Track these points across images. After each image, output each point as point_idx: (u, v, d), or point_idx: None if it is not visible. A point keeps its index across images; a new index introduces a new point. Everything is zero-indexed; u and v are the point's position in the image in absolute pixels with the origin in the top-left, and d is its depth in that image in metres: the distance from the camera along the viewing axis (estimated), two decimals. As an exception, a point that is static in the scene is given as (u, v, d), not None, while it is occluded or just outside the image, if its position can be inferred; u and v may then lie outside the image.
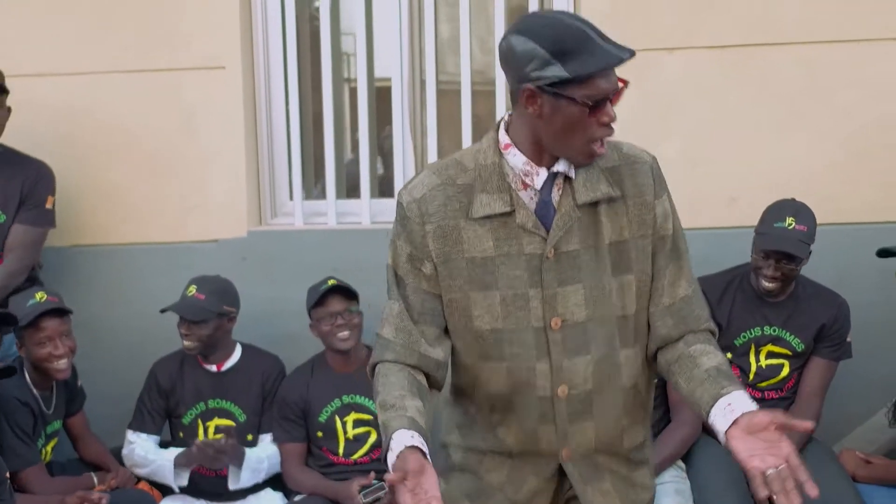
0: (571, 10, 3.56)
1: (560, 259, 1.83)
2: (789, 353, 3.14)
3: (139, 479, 3.24)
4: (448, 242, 1.84)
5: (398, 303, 1.89)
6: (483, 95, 3.94)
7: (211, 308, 3.19)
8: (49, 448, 3.12)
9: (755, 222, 3.18)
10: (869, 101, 3.45)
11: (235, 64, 3.56)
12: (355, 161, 3.92)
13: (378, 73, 3.95)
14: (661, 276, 1.90)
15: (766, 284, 3.05)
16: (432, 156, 3.68)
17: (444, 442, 2.07)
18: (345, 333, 3.18)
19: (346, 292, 3.21)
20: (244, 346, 3.36)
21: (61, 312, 3.02)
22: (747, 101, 3.47)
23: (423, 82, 3.80)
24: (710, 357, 1.87)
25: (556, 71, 1.68)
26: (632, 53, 1.71)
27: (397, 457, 1.69)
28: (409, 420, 1.74)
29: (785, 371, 3.16)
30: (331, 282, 3.23)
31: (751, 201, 3.33)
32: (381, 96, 3.83)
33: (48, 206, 3.38)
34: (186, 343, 3.24)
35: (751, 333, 3.15)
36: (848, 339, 3.15)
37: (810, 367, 3.14)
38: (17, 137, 3.41)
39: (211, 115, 3.58)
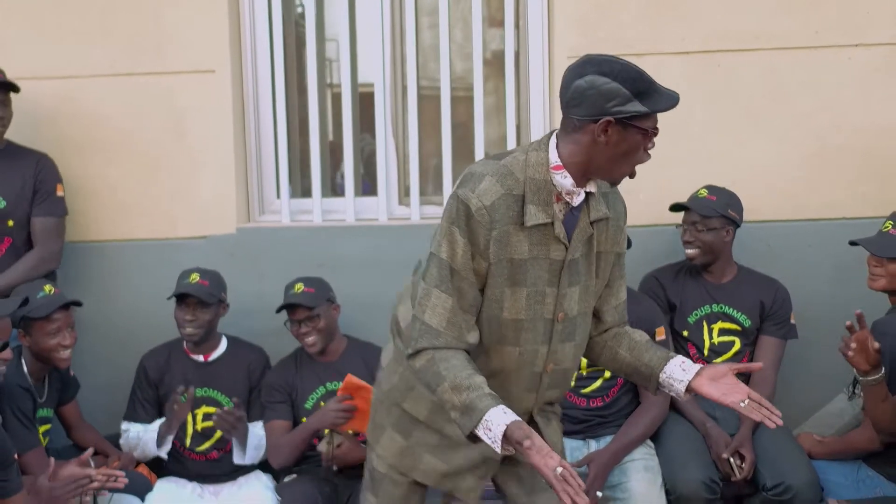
0: (546, 18, 3.72)
1: (571, 265, 2.19)
2: (738, 328, 3.37)
3: (138, 463, 3.35)
4: (502, 245, 2.12)
5: (451, 297, 2.13)
6: (462, 101, 4.05)
7: (215, 293, 3.32)
8: (40, 434, 3.17)
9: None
10: (826, 104, 3.60)
11: (225, 68, 3.67)
12: (340, 162, 4.04)
13: (361, 79, 4.08)
14: (614, 283, 2.35)
15: (687, 250, 3.36)
16: (414, 158, 3.80)
17: (396, 401, 2.38)
18: (311, 339, 3.30)
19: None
20: (229, 338, 3.48)
21: (67, 305, 3.13)
22: (711, 104, 3.61)
23: (404, 88, 3.92)
24: (643, 335, 2.35)
25: (637, 107, 2.03)
26: (678, 100, 2.10)
27: (509, 427, 2.00)
28: (493, 397, 2.06)
29: (736, 346, 3.37)
30: (297, 287, 3.30)
31: (715, 199, 3.49)
32: (364, 101, 3.96)
33: (59, 193, 3.55)
34: (189, 329, 3.33)
35: (701, 311, 3.40)
36: (792, 321, 3.37)
37: (760, 346, 3.37)
38: (12, 137, 3.54)
39: (201, 116, 3.69)
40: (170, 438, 3.32)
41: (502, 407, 2.04)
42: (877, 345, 2.76)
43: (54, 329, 3.07)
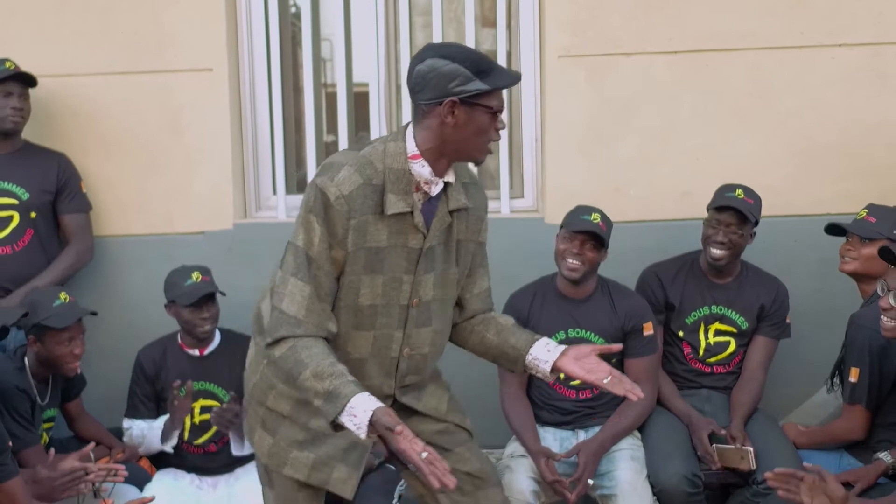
0: (536, 18, 3.78)
1: (428, 252, 2.25)
2: (735, 330, 3.37)
3: (141, 456, 3.40)
4: (360, 234, 2.16)
5: (308, 285, 2.15)
6: (455, 99, 4.12)
7: (215, 287, 3.37)
8: (43, 432, 3.22)
9: (706, 215, 3.39)
10: (811, 103, 3.67)
11: (222, 67, 3.72)
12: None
13: (356, 78, 4.13)
14: (476, 271, 2.42)
15: (715, 251, 3.27)
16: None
17: (260, 400, 2.41)
18: (207, 327, 3.37)
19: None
20: (222, 331, 3.50)
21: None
22: (698, 102, 3.68)
23: (398, 87, 3.98)
24: (509, 319, 2.45)
25: (478, 85, 2.09)
26: (520, 77, 2.20)
27: (375, 413, 2.03)
28: (357, 384, 2.08)
29: (731, 348, 3.38)
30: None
31: (702, 196, 3.51)
32: (358, 100, 4.01)
33: (83, 190, 3.66)
34: (208, 328, 3.36)
35: (700, 312, 3.38)
36: (787, 320, 3.39)
37: (754, 345, 3.37)
38: (14, 135, 3.59)
39: (199, 114, 3.74)
40: (175, 434, 3.36)
41: (367, 393, 2.06)
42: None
43: (67, 338, 3.09)
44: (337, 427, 2.09)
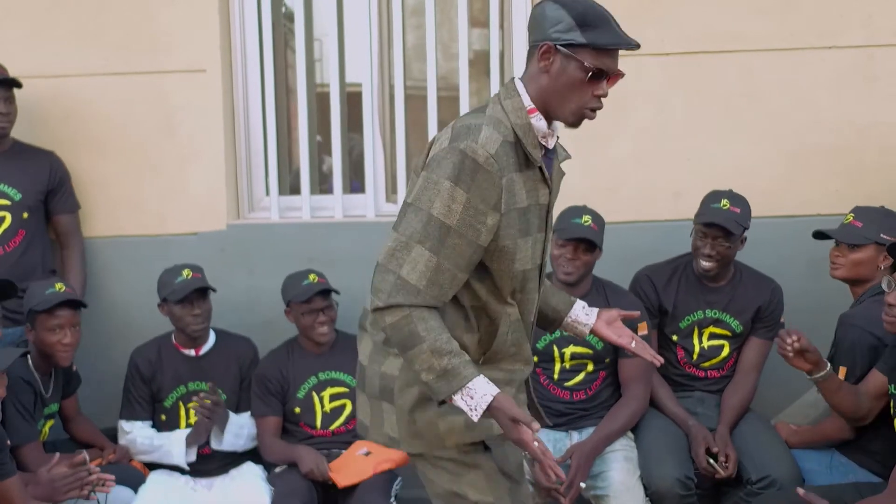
0: (528, 17, 3.79)
1: (551, 208, 2.21)
2: (729, 333, 3.37)
3: (132, 458, 3.40)
4: (510, 194, 2.06)
5: (435, 255, 2.01)
6: (447, 101, 4.14)
7: (206, 283, 3.38)
8: (46, 428, 3.26)
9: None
10: (801, 105, 3.70)
11: (215, 68, 3.73)
12: (328, 159, 4.10)
13: (349, 79, 4.14)
14: None
15: (704, 263, 3.25)
16: (401, 156, 3.88)
17: (411, 383, 2.17)
18: (324, 329, 3.39)
19: (328, 291, 3.39)
20: (217, 331, 3.52)
21: (75, 304, 3.18)
22: (690, 104, 3.70)
23: (391, 87, 3.99)
24: (547, 281, 2.39)
25: (576, 36, 2.00)
26: (638, 45, 2.05)
27: (497, 399, 1.99)
28: (474, 365, 2.03)
29: (725, 351, 3.38)
30: (312, 277, 3.38)
31: (694, 196, 3.53)
32: (351, 101, 4.03)
33: (73, 189, 3.68)
34: (201, 324, 3.37)
35: (694, 316, 3.38)
36: (781, 321, 3.39)
37: (748, 346, 3.37)
38: (5, 135, 3.59)
39: (192, 115, 3.75)
40: (195, 449, 3.37)
41: (485, 377, 2.02)
42: (798, 344, 2.83)
43: (56, 325, 3.11)
44: (441, 404, 2.05)
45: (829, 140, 3.71)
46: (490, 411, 2.00)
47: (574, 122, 2.12)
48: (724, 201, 3.23)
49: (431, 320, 2.03)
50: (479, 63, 4.19)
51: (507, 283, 2.15)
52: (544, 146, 2.14)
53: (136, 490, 3.20)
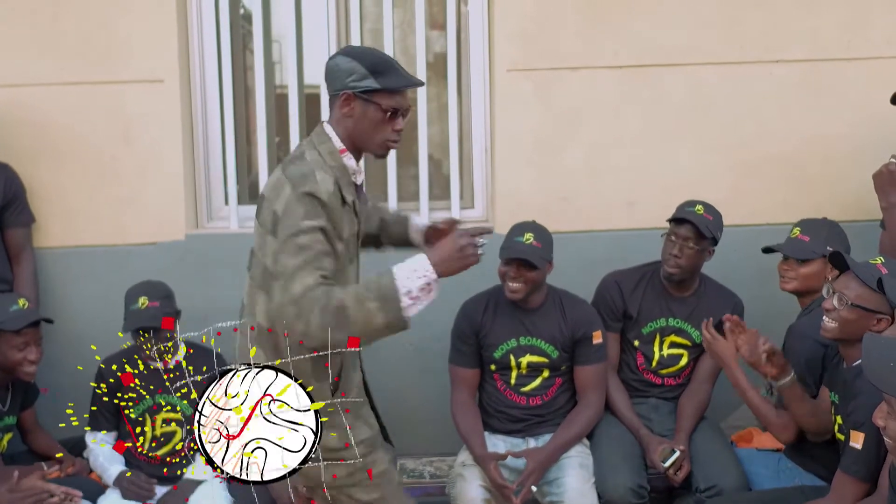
0: (486, 30, 3.84)
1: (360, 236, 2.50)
2: (689, 343, 3.43)
3: (91, 470, 3.37)
4: (342, 226, 2.32)
5: (316, 274, 2.19)
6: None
7: (167, 311, 3.27)
8: (4, 441, 3.24)
9: (651, 225, 3.48)
10: (749, 116, 3.80)
11: (173, 77, 3.73)
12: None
13: (308, 81, 4.15)
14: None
15: (668, 267, 3.31)
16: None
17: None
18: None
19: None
20: (185, 343, 3.43)
21: (38, 321, 3.17)
22: (642, 115, 3.78)
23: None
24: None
25: (370, 83, 2.29)
26: (423, 83, 2.40)
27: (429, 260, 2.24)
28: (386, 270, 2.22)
29: (684, 360, 3.45)
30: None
31: (647, 206, 3.65)
32: (310, 102, 4.03)
33: (28, 203, 3.64)
34: (165, 358, 3.29)
35: (657, 324, 3.43)
36: None
37: (705, 356, 3.37)
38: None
39: (150, 125, 3.74)
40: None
41: (398, 265, 2.22)
42: (767, 345, 2.91)
43: (22, 343, 3.11)
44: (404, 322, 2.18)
45: (777, 151, 3.81)
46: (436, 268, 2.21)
47: (382, 154, 2.41)
48: (699, 207, 3.30)
49: (336, 289, 2.16)
50: (438, 66, 4.22)
51: None
52: (354, 182, 2.39)
53: (94, 502, 3.18)
